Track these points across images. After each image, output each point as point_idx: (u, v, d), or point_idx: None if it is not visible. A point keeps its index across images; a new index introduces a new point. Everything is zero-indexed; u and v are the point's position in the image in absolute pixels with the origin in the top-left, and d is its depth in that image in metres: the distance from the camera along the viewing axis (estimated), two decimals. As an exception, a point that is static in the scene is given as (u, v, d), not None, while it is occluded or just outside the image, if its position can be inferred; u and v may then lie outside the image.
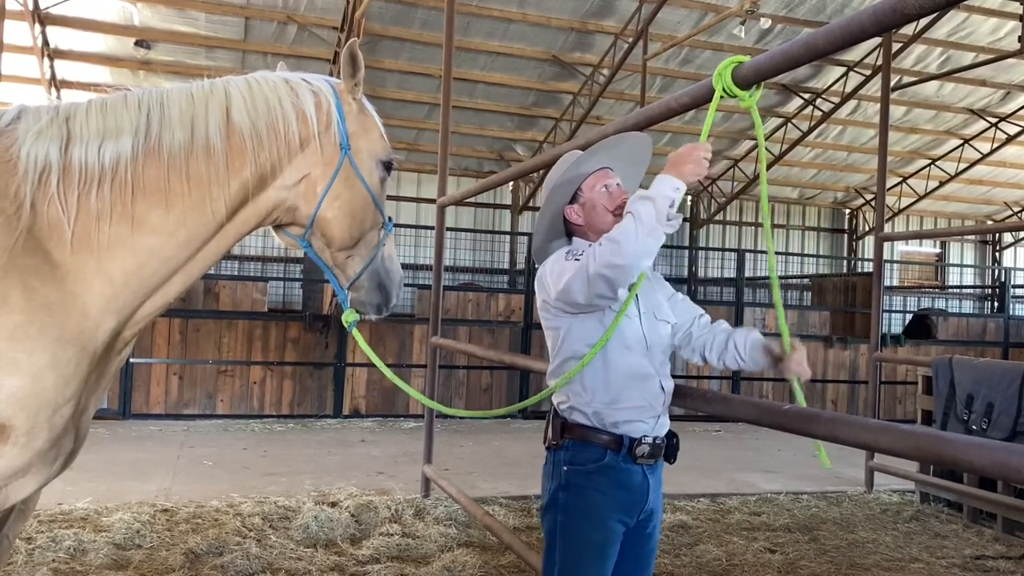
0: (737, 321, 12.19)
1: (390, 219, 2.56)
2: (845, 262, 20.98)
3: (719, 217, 20.77)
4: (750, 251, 18.84)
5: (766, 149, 18.11)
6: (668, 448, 2.58)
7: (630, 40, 13.81)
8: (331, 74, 13.83)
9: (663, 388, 2.56)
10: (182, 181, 2.14)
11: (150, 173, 2.12)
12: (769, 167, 18.24)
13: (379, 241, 2.50)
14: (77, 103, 2.19)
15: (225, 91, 2.25)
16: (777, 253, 20.14)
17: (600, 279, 2.29)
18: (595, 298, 2.36)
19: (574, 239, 2.66)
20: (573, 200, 2.64)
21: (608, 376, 2.48)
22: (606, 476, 2.47)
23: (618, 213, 2.52)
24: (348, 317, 2.57)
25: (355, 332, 2.53)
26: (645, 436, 2.49)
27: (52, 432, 1.96)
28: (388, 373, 2.71)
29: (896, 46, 13.26)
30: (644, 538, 2.59)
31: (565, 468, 2.52)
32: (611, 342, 2.46)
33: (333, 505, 5.81)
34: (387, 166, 2.51)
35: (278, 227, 2.47)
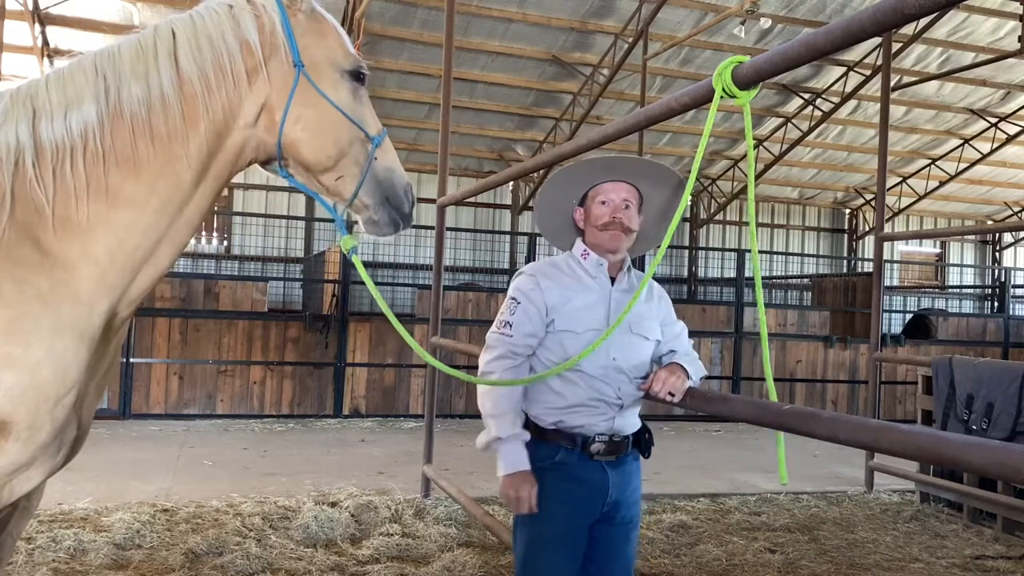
0: (737, 321, 12.19)
1: (384, 130, 2.39)
2: (845, 262, 20.99)
3: (719, 217, 20.78)
4: (750, 251, 18.84)
5: (766, 149, 18.12)
6: (641, 443, 2.71)
7: (630, 40, 13.82)
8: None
9: (620, 394, 2.62)
10: (147, 143, 2.06)
11: (118, 138, 2.05)
12: (769, 167, 18.25)
13: (368, 155, 2.31)
14: (35, 80, 2.12)
15: (171, 33, 2.13)
16: (777, 253, 20.15)
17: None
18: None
19: (576, 243, 2.79)
20: (582, 203, 2.77)
21: (561, 387, 2.61)
22: (560, 472, 2.56)
23: (604, 230, 2.67)
24: (346, 243, 2.39)
25: (355, 259, 2.37)
26: (600, 434, 2.60)
27: (54, 424, 1.94)
28: (395, 322, 2.55)
29: (896, 46, 13.26)
30: (613, 526, 2.68)
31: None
32: (569, 347, 2.61)
33: (333, 505, 5.80)
34: (355, 75, 2.31)
35: (265, 164, 2.38)
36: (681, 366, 2.59)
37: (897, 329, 14.95)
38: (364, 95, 2.36)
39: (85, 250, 1.99)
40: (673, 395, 2.51)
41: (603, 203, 2.69)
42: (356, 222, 2.45)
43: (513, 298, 2.68)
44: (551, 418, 2.62)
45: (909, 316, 15.02)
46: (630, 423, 2.68)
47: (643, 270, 3.28)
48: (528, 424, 2.64)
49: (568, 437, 2.59)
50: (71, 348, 1.94)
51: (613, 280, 2.72)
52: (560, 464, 2.56)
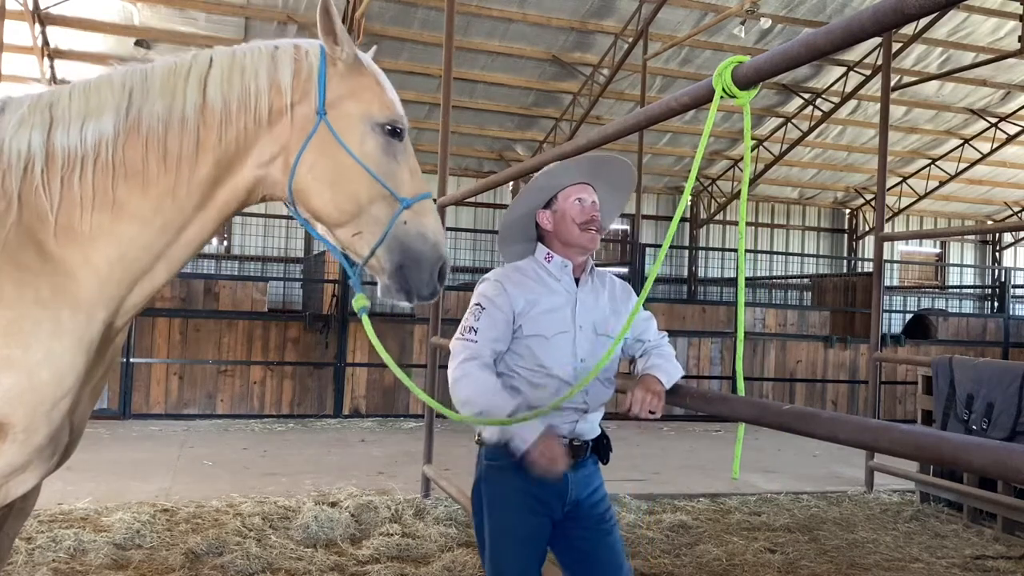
0: (737, 321, 12.18)
1: (424, 193, 2.24)
2: (845, 262, 20.99)
3: (719, 217, 20.78)
4: (750, 251, 18.85)
5: (766, 149, 18.13)
6: (599, 448, 2.74)
7: (630, 40, 13.82)
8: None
9: (586, 400, 2.66)
10: (159, 161, 2.06)
11: (130, 153, 2.05)
12: (769, 167, 18.26)
13: (391, 216, 2.17)
14: (60, 87, 2.15)
15: (209, 61, 2.15)
16: (777, 253, 20.15)
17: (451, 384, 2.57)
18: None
19: (537, 248, 2.79)
20: (548, 206, 2.76)
21: (526, 388, 2.63)
22: (518, 472, 2.57)
23: (585, 228, 2.67)
24: (356, 303, 2.29)
25: (364, 319, 2.29)
26: (561, 437, 2.61)
27: (50, 427, 1.95)
28: (396, 369, 2.47)
29: (896, 46, 13.27)
30: (581, 520, 2.70)
31: (484, 464, 2.71)
32: (526, 364, 2.64)
33: (333, 505, 5.80)
34: (390, 130, 2.21)
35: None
36: (655, 378, 2.58)
37: (897, 329, 14.94)
38: (401, 152, 2.25)
39: (87, 258, 2.01)
40: (653, 412, 2.52)
41: (579, 200, 2.71)
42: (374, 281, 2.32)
43: (478, 304, 2.66)
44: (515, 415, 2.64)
45: (909, 316, 15.02)
46: (592, 428, 2.73)
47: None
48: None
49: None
50: (69, 353, 1.96)
51: (577, 281, 2.73)
52: (518, 465, 2.55)
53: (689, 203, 20.82)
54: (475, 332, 2.61)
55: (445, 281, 2.31)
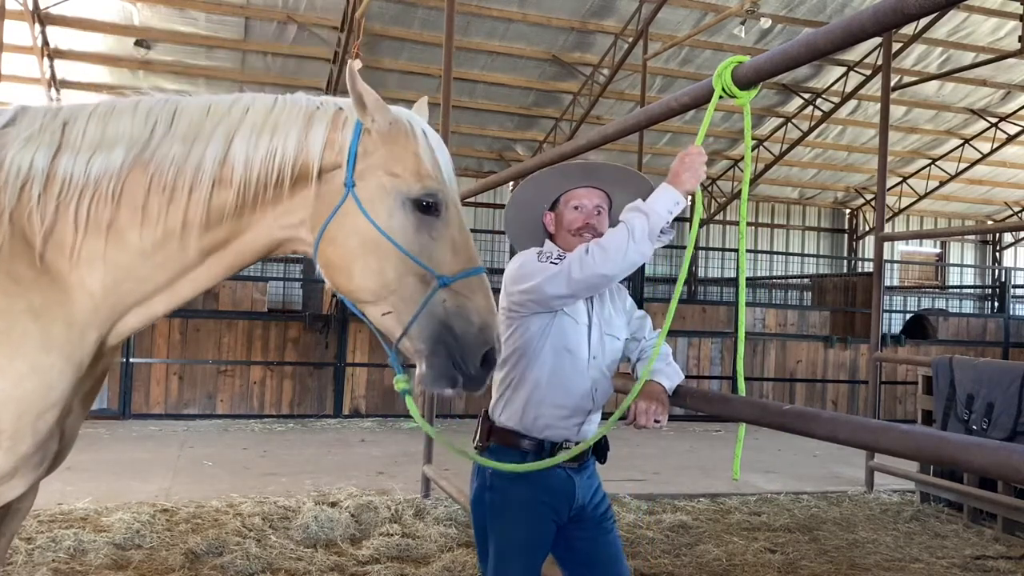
0: (737, 322, 12.17)
1: (471, 269, 2.09)
2: (845, 262, 20.98)
3: (719, 217, 20.76)
4: (750, 251, 18.86)
5: (766, 149, 18.12)
6: (598, 449, 2.71)
7: (630, 40, 13.81)
8: (331, 74, 13.85)
9: (594, 398, 2.67)
10: (162, 202, 2.00)
11: (131, 187, 1.99)
12: (769, 167, 18.25)
13: (424, 295, 2.02)
14: (82, 106, 2.08)
15: (244, 111, 2.05)
16: (777, 253, 20.14)
17: (583, 285, 2.43)
18: (569, 299, 2.52)
19: (546, 243, 2.78)
20: (553, 207, 2.77)
21: (547, 377, 2.60)
22: (525, 479, 2.57)
23: (578, 234, 2.66)
24: (398, 384, 2.18)
25: (408, 401, 2.17)
26: (567, 441, 2.62)
27: (36, 437, 1.95)
28: (432, 433, 2.53)
29: (896, 46, 13.25)
30: (585, 525, 2.69)
31: (489, 471, 2.64)
32: (551, 345, 2.60)
33: (333, 505, 5.80)
34: (424, 206, 2.04)
35: None
36: (659, 386, 2.55)
37: (897, 329, 14.94)
38: (440, 227, 2.07)
39: (81, 280, 1.99)
40: (659, 422, 2.50)
41: (576, 208, 2.70)
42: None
43: (543, 253, 2.64)
44: (519, 423, 2.63)
45: (909, 316, 15.02)
46: (593, 430, 2.73)
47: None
48: (494, 430, 2.66)
49: (535, 443, 2.61)
50: (57, 367, 1.94)
51: None
52: (527, 471, 2.54)
53: (689, 203, 20.82)
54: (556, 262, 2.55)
55: (493, 370, 2.11)
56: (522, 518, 2.60)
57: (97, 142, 2.00)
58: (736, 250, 14.06)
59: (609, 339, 2.71)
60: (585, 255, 2.39)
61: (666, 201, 2.36)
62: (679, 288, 2.45)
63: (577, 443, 2.64)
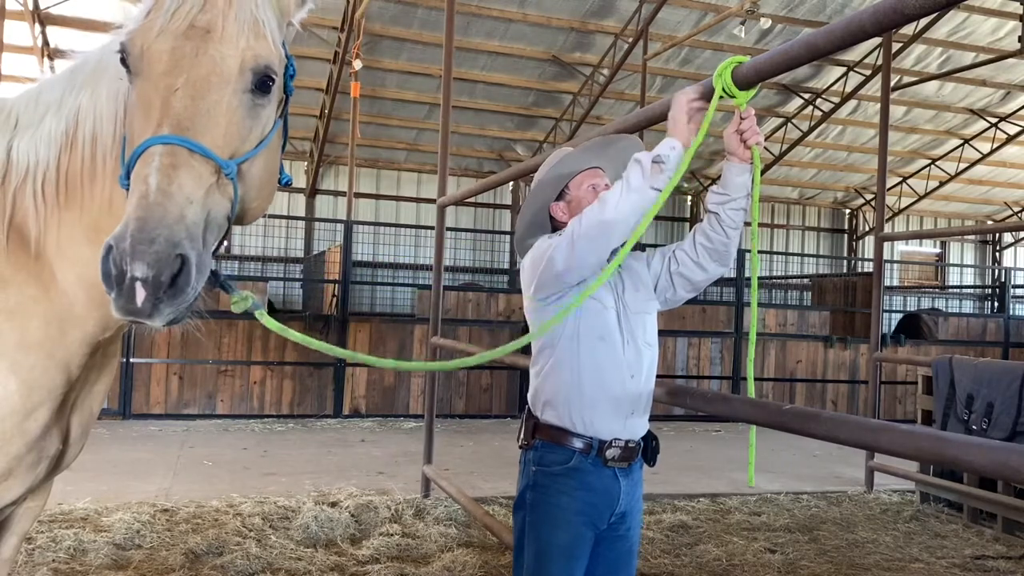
0: (737, 321, 12.19)
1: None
2: (845, 262, 21.00)
3: (719, 217, 20.76)
4: (750, 251, 18.82)
5: (766, 149, 18.08)
6: (647, 450, 2.56)
7: (630, 40, 13.82)
8: (331, 74, 13.85)
9: (640, 388, 2.51)
10: (90, 173, 1.88)
11: (67, 164, 1.88)
12: (769, 167, 18.25)
13: None
14: (33, 89, 1.99)
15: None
16: (777, 253, 20.14)
17: (584, 240, 2.28)
18: (576, 263, 2.32)
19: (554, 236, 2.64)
20: (560, 197, 2.63)
21: (581, 368, 2.45)
22: (573, 478, 2.44)
23: None
24: (235, 305, 2.16)
25: (263, 316, 2.08)
26: (617, 439, 2.46)
27: (25, 438, 1.91)
28: (301, 339, 2.15)
29: (896, 46, 13.27)
30: (618, 540, 2.55)
31: (533, 469, 2.50)
32: (582, 335, 2.45)
33: (333, 505, 5.80)
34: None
35: None
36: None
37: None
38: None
39: (53, 275, 1.92)
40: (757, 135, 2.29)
41: (592, 187, 2.58)
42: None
43: (554, 234, 2.54)
44: (570, 413, 2.46)
45: (902, 316, 15.02)
46: (641, 426, 2.55)
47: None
48: (539, 426, 2.51)
49: (583, 440, 2.45)
50: (39, 366, 1.89)
51: None
52: (573, 470, 2.43)
53: (689, 204, 20.82)
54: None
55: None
56: (563, 521, 2.45)
57: (34, 119, 1.91)
58: (740, 251, 14.07)
59: (638, 318, 2.55)
60: (584, 212, 2.33)
61: (660, 148, 2.23)
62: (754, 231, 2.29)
63: (627, 442, 2.47)
